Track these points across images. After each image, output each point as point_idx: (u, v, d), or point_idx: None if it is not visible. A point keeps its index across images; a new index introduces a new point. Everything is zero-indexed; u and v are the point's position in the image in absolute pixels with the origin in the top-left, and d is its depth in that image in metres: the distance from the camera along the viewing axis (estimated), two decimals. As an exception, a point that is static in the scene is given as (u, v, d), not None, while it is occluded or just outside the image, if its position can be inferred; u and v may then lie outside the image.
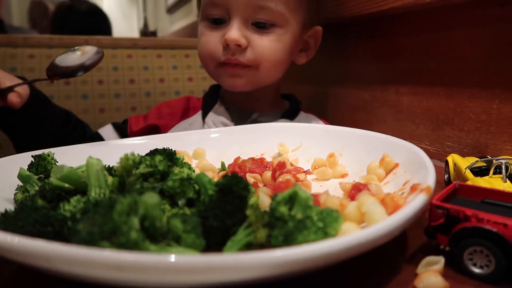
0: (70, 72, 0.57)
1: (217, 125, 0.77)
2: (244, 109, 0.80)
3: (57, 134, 0.75)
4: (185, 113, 0.84)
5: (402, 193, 0.38)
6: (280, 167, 0.49)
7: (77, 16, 2.00)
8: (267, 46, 0.72)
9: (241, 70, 0.73)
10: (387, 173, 0.46)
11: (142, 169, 0.35)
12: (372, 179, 0.45)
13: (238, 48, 0.70)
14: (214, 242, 0.30)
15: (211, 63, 0.74)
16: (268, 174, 0.50)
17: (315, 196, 0.36)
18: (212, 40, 0.73)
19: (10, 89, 0.61)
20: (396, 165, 0.46)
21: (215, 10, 0.71)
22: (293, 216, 0.29)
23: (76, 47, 0.58)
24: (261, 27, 0.71)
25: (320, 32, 0.80)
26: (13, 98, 0.61)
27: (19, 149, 0.73)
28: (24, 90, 0.64)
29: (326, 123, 0.84)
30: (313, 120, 0.85)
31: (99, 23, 2.08)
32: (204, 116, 0.80)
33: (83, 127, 0.81)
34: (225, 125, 0.77)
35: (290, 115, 0.82)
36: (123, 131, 0.82)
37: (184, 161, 0.48)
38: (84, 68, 0.57)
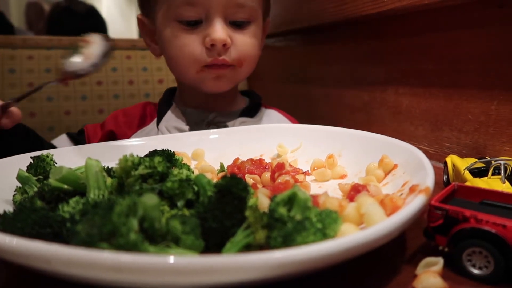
0: (84, 74, 0.53)
1: (170, 131, 0.74)
2: (201, 110, 0.78)
3: (18, 148, 0.64)
4: (142, 122, 0.80)
5: (401, 194, 0.38)
6: (279, 168, 0.49)
7: (73, 17, 2.00)
8: (249, 43, 0.71)
9: (225, 70, 0.71)
10: (386, 174, 0.46)
11: (141, 170, 0.35)
12: (371, 180, 0.45)
13: (223, 48, 0.68)
14: (213, 243, 0.30)
15: (193, 67, 0.70)
16: (267, 175, 0.50)
17: (314, 197, 0.36)
18: (191, 42, 0.69)
19: (3, 108, 0.55)
20: (395, 166, 0.46)
21: (192, 11, 0.67)
22: (292, 217, 0.29)
23: (79, 44, 0.53)
24: (238, 25, 0.70)
25: (269, 23, 0.81)
26: (5, 120, 0.55)
27: None
28: (18, 110, 0.58)
29: (290, 118, 0.84)
30: (275, 115, 0.83)
31: (95, 24, 2.08)
32: (158, 123, 0.77)
33: (41, 140, 0.73)
34: (179, 129, 0.74)
35: (250, 112, 0.80)
36: (78, 142, 0.75)
37: (183, 162, 0.48)
38: (97, 66, 0.52)
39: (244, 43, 0.71)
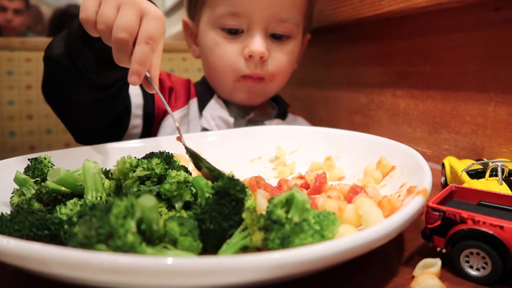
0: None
1: (215, 120, 0.75)
2: (241, 106, 0.79)
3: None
4: (185, 98, 0.79)
5: (399, 196, 0.38)
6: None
7: (71, 20, 2.01)
8: (285, 59, 0.73)
9: (258, 84, 0.72)
10: (384, 175, 0.46)
11: (139, 172, 0.35)
12: (369, 181, 0.45)
13: (260, 60, 0.70)
14: (211, 245, 0.30)
15: (231, 76, 0.72)
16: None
17: (313, 199, 0.36)
18: (230, 51, 0.70)
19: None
20: (393, 167, 0.46)
21: (234, 21, 0.69)
22: (290, 219, 0.29)
23: None
24: (277, 38, 0.71)
25: (308, 39, 0.81)
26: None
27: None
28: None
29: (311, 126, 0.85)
30: (302, 122, 0.85)
31: None
32: (201, 109, 0.77)
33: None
34: (223, 120, 0.75)
35: (282, 116, 0.82)
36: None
37: (181, 164, 0.48)
38: None
39: (280, 58, 0.72)
